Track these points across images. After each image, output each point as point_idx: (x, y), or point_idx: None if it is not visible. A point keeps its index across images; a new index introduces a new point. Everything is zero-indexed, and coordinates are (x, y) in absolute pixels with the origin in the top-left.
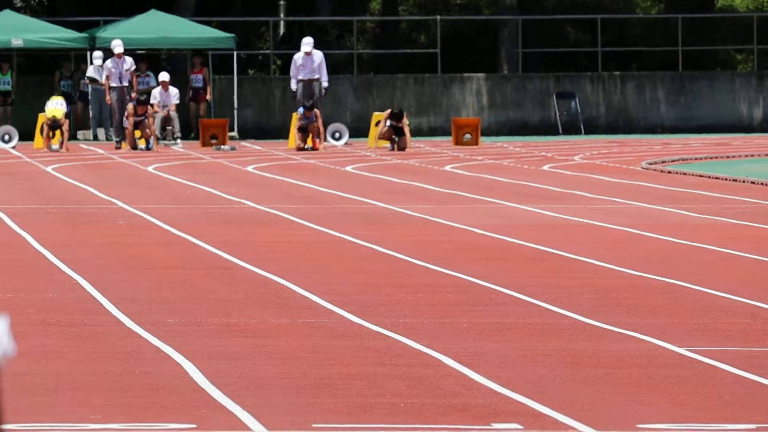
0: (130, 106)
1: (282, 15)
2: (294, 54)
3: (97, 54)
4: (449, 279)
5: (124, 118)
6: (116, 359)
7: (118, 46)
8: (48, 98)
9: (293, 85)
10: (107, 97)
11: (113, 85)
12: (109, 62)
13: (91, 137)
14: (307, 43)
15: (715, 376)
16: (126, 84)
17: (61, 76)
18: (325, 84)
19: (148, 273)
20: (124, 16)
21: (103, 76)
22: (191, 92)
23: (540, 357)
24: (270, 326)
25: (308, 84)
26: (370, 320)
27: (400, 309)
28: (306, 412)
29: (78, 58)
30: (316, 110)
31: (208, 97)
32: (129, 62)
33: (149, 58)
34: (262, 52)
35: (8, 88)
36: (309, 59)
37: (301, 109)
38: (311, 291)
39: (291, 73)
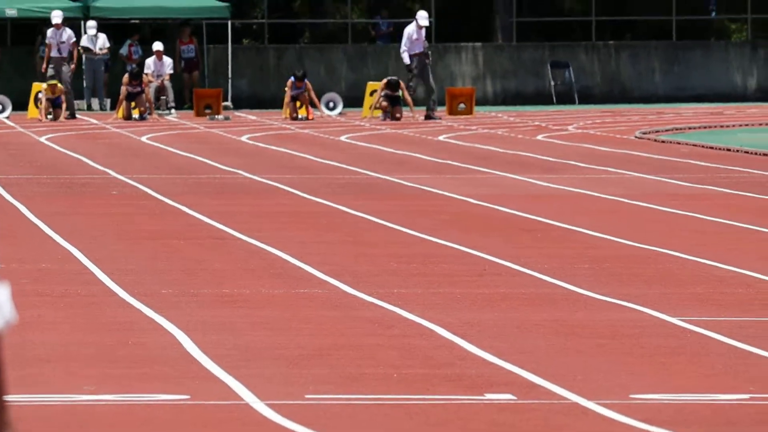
0: (125, 77)
1: None
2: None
3: (91, 24)
4: (443, 249)
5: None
6: (110, 330)
7: (56, 17)
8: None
9: (407, 59)
10: (42, 66)
11: (52, 55)
12: (49, 32)
13: (85, 107)
14: (423, 16)
15: (708, 346)
16: (65, 55)
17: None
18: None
19: (142, 243)
20: None
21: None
22: (183, 63)
23: (533, 327)
24: (263, 297)
25: (422, 57)
26: (363, 291)
27: (394, 279)
28: (299, 383)
29: (72, 28)
30: (307, 81)
31: (199, 67)
32: (68, 33)
33: (140, 28)
34: (256, 21)
35: None
36: (422, 32)
37: (292, 78)
38: (305, 261)
39: (404, 46)
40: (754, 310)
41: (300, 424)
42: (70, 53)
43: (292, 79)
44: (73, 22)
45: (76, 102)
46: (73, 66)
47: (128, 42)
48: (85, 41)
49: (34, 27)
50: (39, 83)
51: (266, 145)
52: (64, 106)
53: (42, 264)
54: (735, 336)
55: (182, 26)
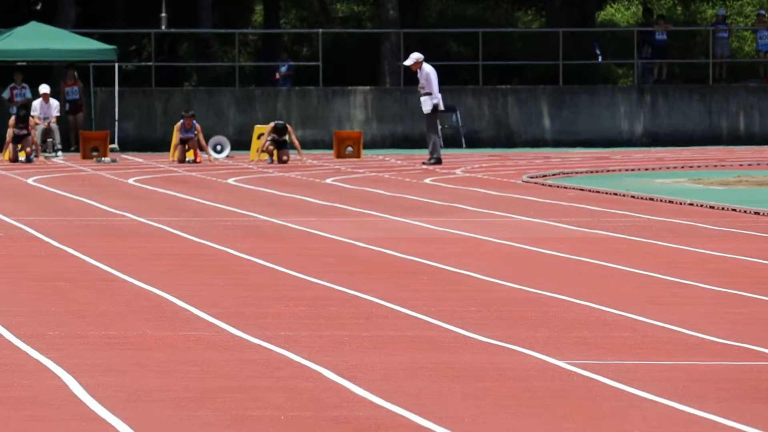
0: (12, 119)
1: (164, 27)
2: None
3: None
4: (330, 292)
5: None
6: None
7: None
8: None
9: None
10: None
11: None
12: None
13: None
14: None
15: (594, 390)
16: None
17: None
18: (434, 101)
19: (29, 285)
20: (3, 27)
21: None
22: (68, 105)
23: (421, 370)
24: (150, 339)
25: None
26: (250, 333)
27: (281, 322)
28: (187, 426)
29: None
30: (196, 124)
31: (84, 109)
32: None
33: (27, 70)
34: (143, 64)
35: None
36: (419, 74)
37: (181, 121)
38: (192, 303)
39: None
40: (639, 353)
41: None
42: None
43: (181, 121)
44: None
45: None
46: None
47: (11, 85)
48: None
49: None
50: None
51: (153, 188)
52: None
53: None
54: (621, 379)
55: (67, 68)
